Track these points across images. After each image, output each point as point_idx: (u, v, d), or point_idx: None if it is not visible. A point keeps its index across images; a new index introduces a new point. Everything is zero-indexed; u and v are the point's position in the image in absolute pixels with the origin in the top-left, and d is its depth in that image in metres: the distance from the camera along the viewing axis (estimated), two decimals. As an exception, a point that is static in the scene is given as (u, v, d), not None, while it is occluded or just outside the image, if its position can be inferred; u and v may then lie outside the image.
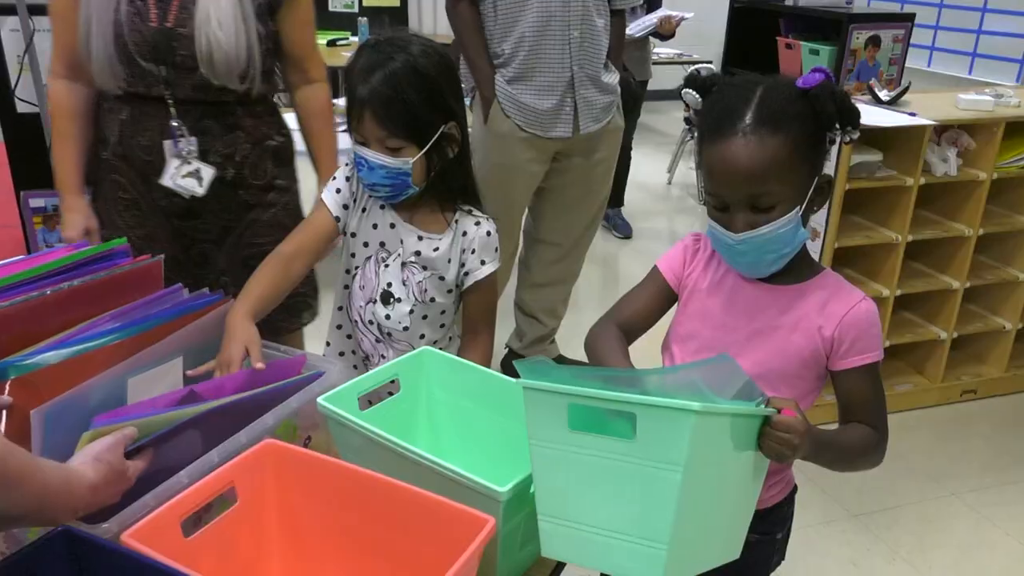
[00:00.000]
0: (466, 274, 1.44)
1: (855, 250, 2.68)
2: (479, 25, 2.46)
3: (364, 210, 1.47)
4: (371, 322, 1.48)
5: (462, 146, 1.40)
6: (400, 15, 6.37)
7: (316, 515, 0.96)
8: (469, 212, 1.45)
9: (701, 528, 0.95)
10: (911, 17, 4.32)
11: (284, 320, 1.79)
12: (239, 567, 0.93)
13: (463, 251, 1.43)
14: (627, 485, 0.90)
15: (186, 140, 1.64)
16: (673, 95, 8.34)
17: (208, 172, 1.66)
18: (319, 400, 1.07)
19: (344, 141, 1.62)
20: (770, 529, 1.33)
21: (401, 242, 1.44)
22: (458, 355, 1.40)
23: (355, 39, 5.96)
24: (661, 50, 6.46)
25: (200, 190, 1.66)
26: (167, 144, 1.64)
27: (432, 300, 1.46)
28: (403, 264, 1.44)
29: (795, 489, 1.36)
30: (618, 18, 2.59)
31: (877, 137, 2.51)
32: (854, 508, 2.38)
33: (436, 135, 1.34)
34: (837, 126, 1.11)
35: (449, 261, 1.43)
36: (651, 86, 7.69)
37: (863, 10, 4.58)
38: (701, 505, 0.93)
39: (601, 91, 2.54)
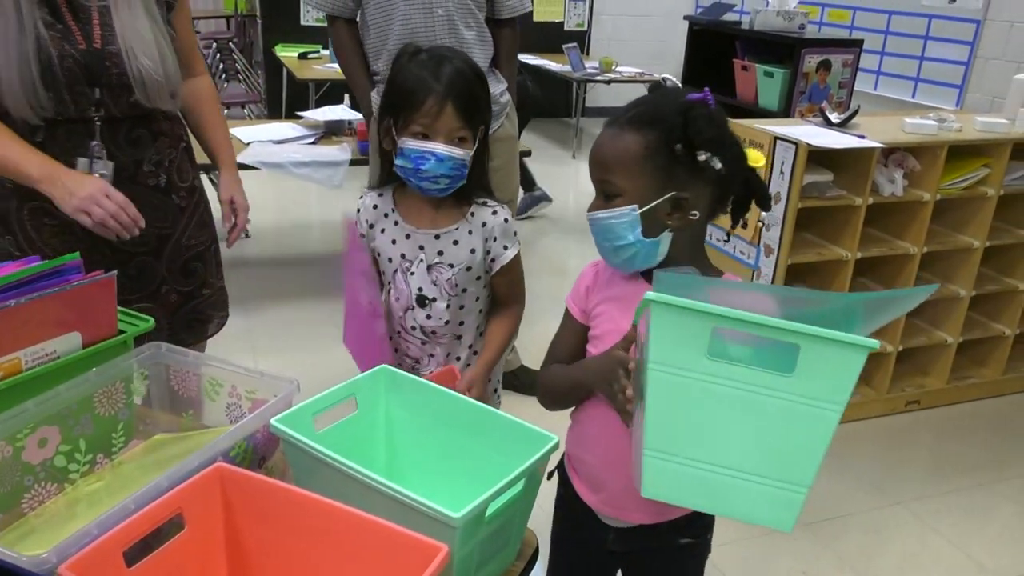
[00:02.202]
0: (492, 260, 1.53)
1: (807, 266, 2.68)
2: (356, 44, 2.49)
3: (383, 231, 1.55)
4: (413, 327, 1.56)
5: (482, 146, 1.48)
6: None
7: (267, 542, 0.90)
8: (484, 204, 1.52)
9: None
10: (859, 43, 4.36)
11: (183, 331, 1.78)
12: (186, 596, 0.87)
13: (486, 240, 1.51)
14: (772, 422, 0.81)
15: (101, 163, 1.55)
16: (634, 112, 8.33)
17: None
18: (272, 421, 1.01)
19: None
20: (702, 531, 1.33)
21: (421, 248, 1.51)
22: (488, 325, 1.61)
23: (326, 52, 5.89)
24: (624, 69, 6.49)
25: None
26: (81, 162, 1.54)
27: (464, 291, 1.54)
28: (428, 267, 1.51)
29: None
30: (506, 28, 2.56)
31: (828, 158, 2.51)
32: (803, 518, 2.35)
33: (481, 131, 1.45)
34: (701, 147, 1.08)
35: (472, 251, 1.50)
36: (612, 103, 7.76)
37: (815, 35, 4.63)
38: None
39: None
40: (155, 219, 1.65)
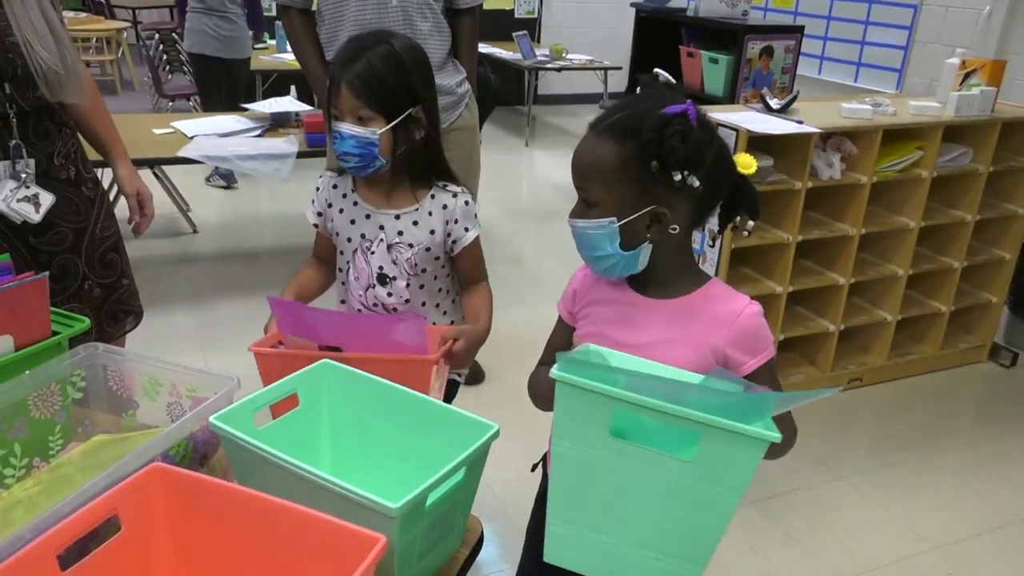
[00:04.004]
0: (454, 242, 1.56)
1: (751, 250, 2.74)
2: (309, 34, 2.47)
3: (341, 211, 1.58)
4: (375, 304, 1.59)
5: (430, 131, 1.50)
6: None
7: (207, 540, 0.90)
8: (445, 187, 1.55)
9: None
10: (800, 29, 4.44)
11: (110, 326, 1.79)
12: (124, 597, 0.87)
13: (447, 222, 1.54)
14: (672, 503, 0.82)
15: (24, 163, 1.53)
16: (587, 99, 8.46)
17: (47, 199, 1.57)
18: (211, 419, 1.01)
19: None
20: None
21: (381, 228, 1.54)
22: (466, 303, 1.64)
23: (272, 42, 5.80)
24: (574, 56, 6.51)
25: (36, 216, 1.56)
26: (4, 165, 1.51)
27: (423, 271, 1.57)
28: (388, 247, 1.54)
29: None
30: (465, 17, 2.56)
31: (768, 143, 2.56)
32: (751, 495, 2.43)
33: (403, 115, 1.44)
34: (674, 166, 1.04)
35: (432, 232, 1.53)
36: (564, 90, 7.79)
37: (758, 22, 4.69)
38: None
39: (438, 93, 2.52)
40: (69, 214, 1.63)
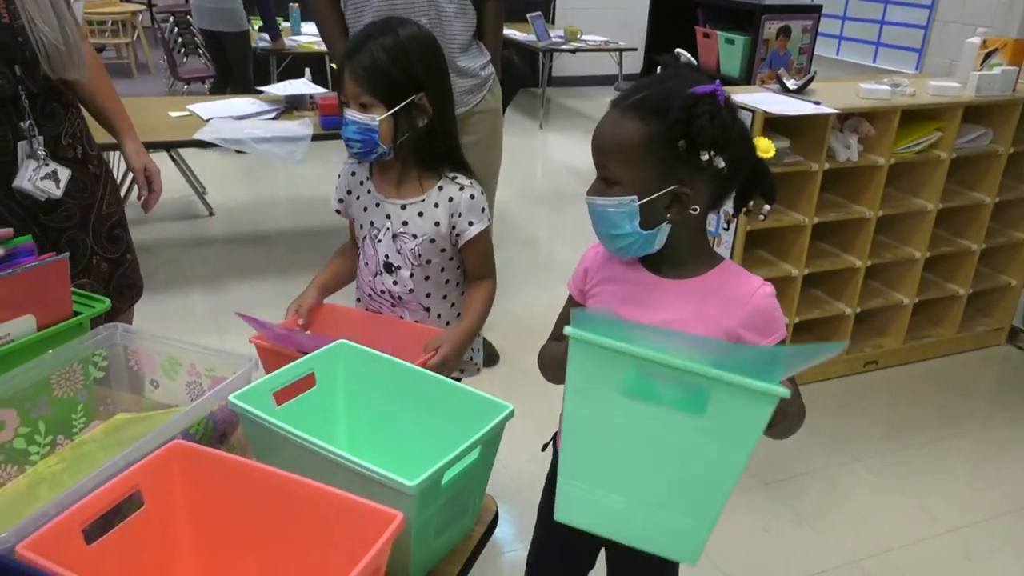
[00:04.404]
0: (458, 235, 1.54)
1: (766, 232, 2.72)
2: (336, 16, 2.47)
3: (358, 198, 1.60)
4: (382, 291, 1.61)
5: (437, 118, 1.49)
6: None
7: (226, 516, 0.92)
8: (454, 179, 1.53)
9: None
10: (818, 8, 4.38)
11: (117, 300, 1.81)
12: (146, 572, 0.89)
13: (452, 215, 1.53)
14: (682, 461, 0.82)
15: (38, 140, 1.57)
16: (601, 80, 8.38)
17: (64, 173, 1.62)
18: (230, 398, 1.02)
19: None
20: None
21: (388, 217, 1.55)
22: (464, 297, 1.65)
23: (286, 24, 5.80)
24: (589, 37, 6.47)
25: (57, 192, 1.61)
26: (22, 145, 1.55)
27: (428, 262, 1.56)
28: (394, 236, 1.55)
29: None
30: (491, 1, 2.55)
31: (784, 125, 2.54)
32: (765, 477, 2.44)
33: (405, 102, 1.44)
34: (703, 146, 1.04)
35: (437, 224, 1.53)
36: (579, 72, 7.74)
37: (774, 1, 4.64)
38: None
39: (460, 75, 2.51)
40: (76, 191, 1.67)
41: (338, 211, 1.66)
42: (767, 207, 1.17)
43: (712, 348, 0.85)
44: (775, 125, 2.53)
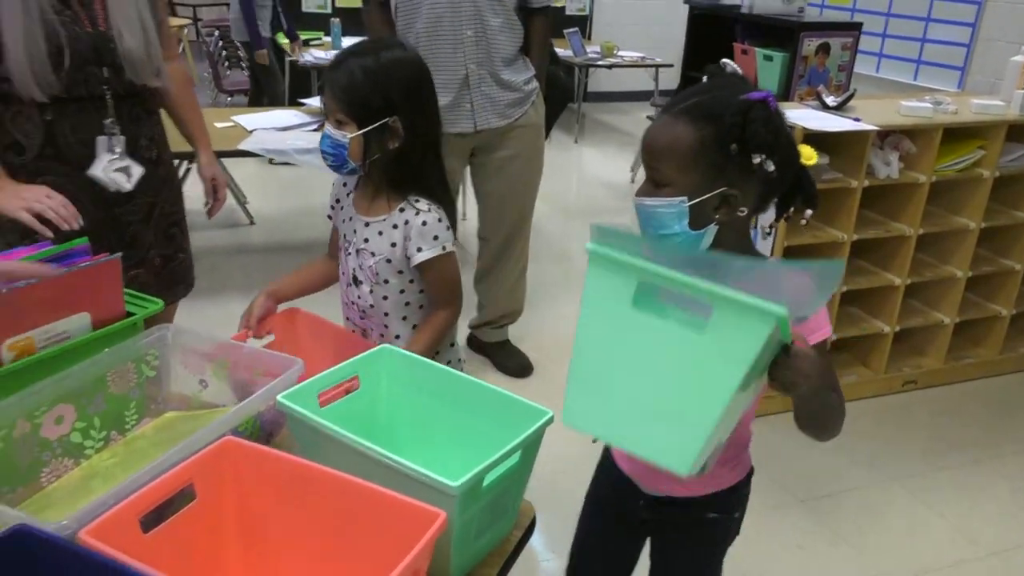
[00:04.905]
0: (408, 259, 1.54)
1: (803, 248, 2.71)
2: (387, 26, 2.53)
3: (342, 208, 1.64)
4: (353, 302, 1.64)
5: (409, 142, 1.49)
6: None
7: (273, 511, 0.95)
8: (416, 203, 1.53)
9: (718, 427, 0.89)
10: (859, 26, 4.37)
11: (163, 293, 1.83)
12: (198, 562, 0.91)
13: (405, 238, 1.53)
14: (682, 372, 0.85)
15: (118, 138, 1.69)
16: (637, 96, 8.37)
17: (137, 170, 1.74)
18: (278, 398, 1.05)
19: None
20: (729, 509, 1.36)
21: (355, 231, 1.58)
22: (417, 326, 1.62)
23: (327, 39, 5.91)
24: (625, 53, 6.49)
25: (128, 186, 1.73)
26: (101, 140, 1.68)
27: (386, 281, 1.57)
28: (357, 251, 1.58)
29: (752, 472, 1.38)
30: (538, 16, 2.59)
31: (824, 141, 2.54)
32: (801, 494, 2.41)
33: (377, 124, 1.46)
34: (756, 149, 1.07)
35: (393, 245, 1.53)
36: (614, 87, 7.76)
37: (814, 18, 4.63)
38: (729, 406, 0.87)
39: (504, 88, 2.55)
40: (148, 189, 1.80)
41: (329, 216, 1.70)
42: (808, 212, 1.19)
43: (721, 267, 0.86)
44: (814, 141, 2.51)
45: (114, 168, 1.70)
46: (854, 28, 4.32)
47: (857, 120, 2.53)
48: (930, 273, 2.88)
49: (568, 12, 7.53)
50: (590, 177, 5.85)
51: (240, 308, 1.78)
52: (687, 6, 5.25)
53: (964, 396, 3.02)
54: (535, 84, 2.62)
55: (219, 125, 3.53)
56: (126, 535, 0.83)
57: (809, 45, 4.14)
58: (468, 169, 2.80)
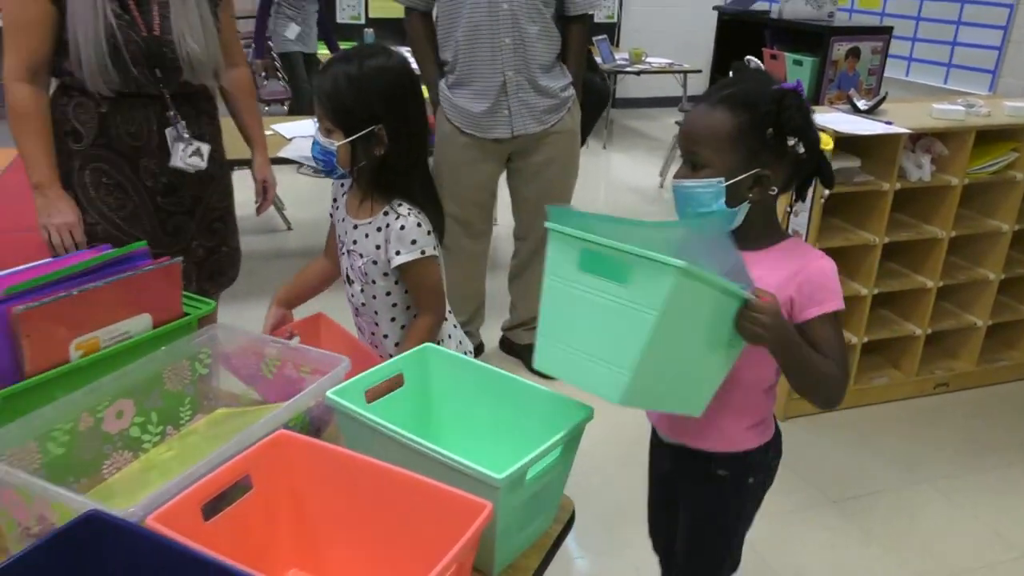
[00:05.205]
0: (388, 261, 1.56)
1: (835, 251, 2.68)
2: (428, 36, 2.59)
3: (338, 208, 1.68)
4: (351, 298, 1.69)
5: (393, 150, 1.51)
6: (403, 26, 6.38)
7: (325, 501, 0.98)
8: (398, 207, 1.55)
9: (663, 374, 1.08)
10: (889, 30, 4.33)
11: (206, 283, 2.03)
12: (254, 549, 0.94)
13: (385, 241, 1.55)
14: (613, 319, 1.03)
15: (182, 125, 1.83)
16: (665, 102, 8.34)
17: (206, 148, 1.88)
18: (328, 394, 1.08)
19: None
20: (743, 470, 1.40)
21: (346, 232, 1.62)
22: (405, 327, 1.65)
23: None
24: (653, 60, 6.49)
25: (203, 164, 1.88)
26: (169, 131, 1.82)
27: (373, 282, 1.60)
28: (348, 252, 1.62)
29: (772, 446, 1.42)
30: (575, 24, 2.61)
31: (855, 144, 2.52)
32: (833, 495, 2.40)
33: (363, 131, 1.48)
34: (790, 133, 1.21)
35: (377, 248, 1.56)
36: (642, 94, 7.74)
37: (844, 23, 4.60)
38: (668, 353, 1.06)
39: (541, 94, 2.57)
40: (193, 183, 1.90)
41: (331, 215, 1.72)
42: (827, 192, 1.30)
43: (646, 232, 1.04)
44: (845, 145, 2.51)
45: (188, 154, 1.84)
46: (884, 32, 4.29)
47: (889, 123, 2.52)
48: (962, 276, 2.85)
49: (597, 19, 7.54)
50: (619, 182, 5.85)
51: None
52: (716, 12, 5.24)
53: (997, 399, 2.98)
54: (571, 91, 2.64)
55: (259, 133, 3.60)
56: (188, 522, 0.86)
57: (839, 50, 4.11)
58: (504, 173, 2.83)
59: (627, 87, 7.72)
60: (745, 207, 1.24)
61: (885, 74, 4.40)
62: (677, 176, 1.26)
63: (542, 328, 1.11)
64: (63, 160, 1.81)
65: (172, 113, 1.81)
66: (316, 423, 1.20)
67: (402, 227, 1.52)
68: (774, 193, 1.24)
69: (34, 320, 1.06)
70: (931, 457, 2.61)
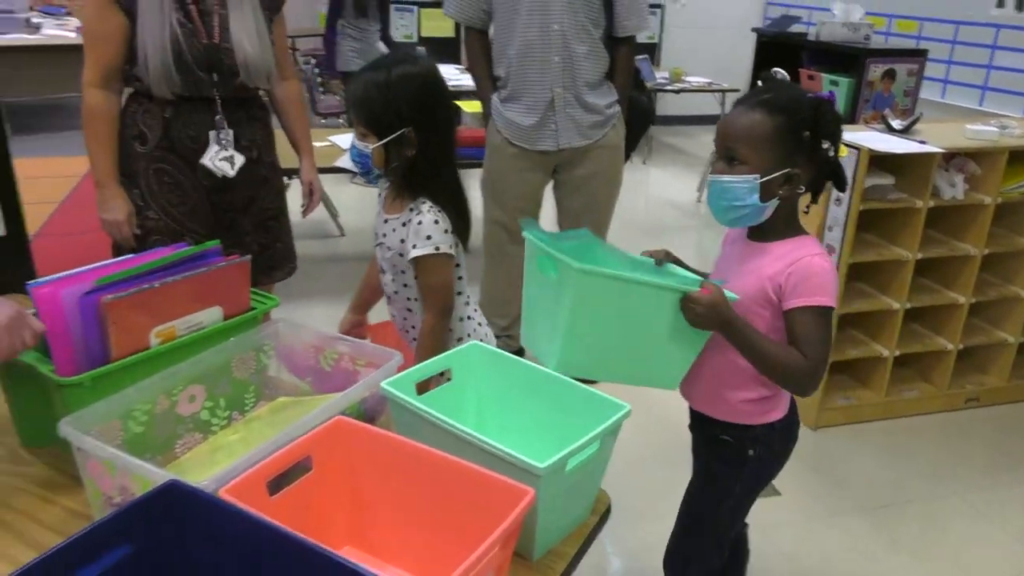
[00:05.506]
0: (404, 254, 1.60)
1: (868, 265, 2.67)
2: (485, 52, 2.65)
3: (379, 204, 1.73)
4: (384, 287, 1.73)
5: (422, 151, 1.55)
6: (454, 45, 6.46)
7: (378, 483, 1.01)
8: (422, 203, 1.59)
9: (611, 351, 1.29)
10: (924, 53, 4.27)
11: (262, 276, 2.09)
12: (312, 525, 0.98)
13: (408, 235, 1.59)
14: (553, 304, 1.26)
15: (225, 132, 1.92)
16: (703, 120, 8.30)
17: (239, 159, 1.96)
18: (382, 385, 1.12)
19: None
20: (742, 440, 1.46)
21: (380, 226, 1.67)
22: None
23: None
24: (692, 79, 6.47)
25: (231, 172, 1.95)
26: (212, 133, 1.91)
27: (402, 272, 1.64)
28: (379, 244, 1.67)
29: (786, 429, 1.47)
30: (622, 45, 2.64)
31: (889, 162, 2.50)
32: (863, 503, 2.37)
33: (395, 134, 1.53)
34: (825, 137, 1.29)
35: (402, 241, 1.60)
36: (681, 111, 7.72)
37: (880, 45, 4.54)
38: (604, 333, 1.27)
39: (587, 110, 2.60)
40: (244, 183, 2.00)
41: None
42: (841, 195, 1.38)
43: (577, 246, 1.30)
44: (880, 163, 2.50)
45: (220, 157, 1.93)
46: (919, 55, 4.23)
47: (923, 143, 2.49)
48: (994, 292, 2.80)
49: (638, 40, 7.54)
50: (657, 197, 5.84)
51: (331, 310, 1.90)
52: (754, 34, 5.21)
53: (1028, 415, 2.91)
54: (617, 108, 2.67)
55: (317, 144, 3.67)
56: (255, 496, 0.90)
57: (875, 71, 4.07)
58: (552, 184, 2.86)
59: (666, 105, 7.69)
60: (775, 203, 1.32)
61: (921, 96, 4.34)
62: (714, 171, 1.33)
63: (524, 312, 1.37)
64: (131, 161, 1.92)
65: (219, 117, 1.90)
66: (370, 412, 1.24)
67: (420, 223, 1.56)
68: (801, 192, 1.33)
69: (120, 309, 1.11)
70: (961, 469, 2.57)
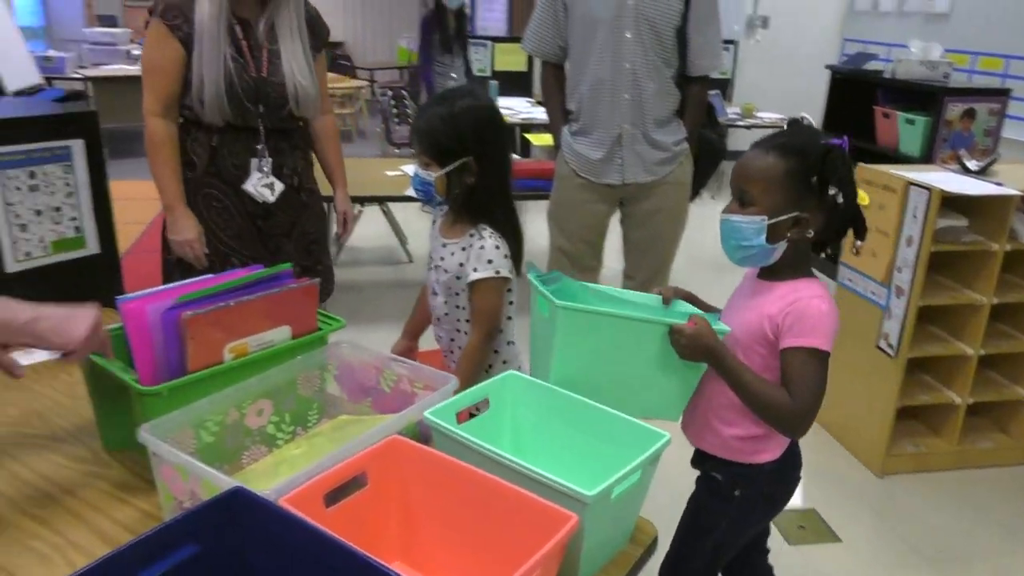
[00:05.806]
0: (463, 277, 1.68)
1: (940, 309, 2.60)
2: (559, 86, 2.72)
3: (434, 228, 1.81)
4: (433, 309, 1.81)
5: (482, 179, 1.64)
6: (525, 79, 6.59)
7: (429, 501, 1.05)
8: (483, 230, 1.67)
9: (595, 380, 1.32)
10: (1007, 92, 4.14)
11: None
12: (365, 539, 1.01)
13: (468, 259, 1.67)
14: (548, 335, 1.33)
15: (265, 160, 2.04)
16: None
17: (279, 186, 2.09)
18: (425, 414, 1.14)
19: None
20: (732, 477, 1.46)
21: (436, 249, 1.75)
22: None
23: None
24: (764, 115, 6.42)
25: (271, 198, 2.07)
26: (253, 161, 2.03)
27: (457, 294, 1.71)
28: (435, 267, 1.74)
29: (781, 473, 1.46)
30: (695, 85, 2.66)
31: (963, 204, 2.44)
32: (929, 553, 2.29)
33: (455, 164, 1.62)
34: (832, 183, 1.30)
35: (461, 265, 1.67)
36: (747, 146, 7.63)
37: (960, 84, 4.42)
38: (592, 363, 1.33)
39: (654, 147, 2.63)
40: (286, 209, 2.12)
41: None
42: (859, 243, 1.37)
43: (572, 292, 1.40)
44: (954, 204, 2.44)
45: (261, 184, 2.05)
46: (1002, 94, 4.11)
47: (999, 184, 2.42)
48: (1076, 342, 2.68)
49: (712, 76, 7.53)
50: (724, 232, 5.78)
51: (395, 334, 1.95)
52: (829, 71, 5.15)
53: (1114, 472, 2.76)
54: (685, 145, 2.69)
55: (389, 173, 3.80)
56: (312, 507, 0.95)
57: (954, 110, 3.97)
58: (619, 216, 2.88)
59: (737, 140, 7.62)
60: (783, 245, 1.34)
61: (1003, 135, 4.20)
62: (725, 211, 1.36)
63: (532, 349, 1.47)
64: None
65: (261, 146, 2.02)
66: (425, 432, 1.28)
67: (482, 247, 1.65)
68: (810, 236, 1.33)
69: (198, 325, 1.19)
70: (1036, 526, 2.45)
